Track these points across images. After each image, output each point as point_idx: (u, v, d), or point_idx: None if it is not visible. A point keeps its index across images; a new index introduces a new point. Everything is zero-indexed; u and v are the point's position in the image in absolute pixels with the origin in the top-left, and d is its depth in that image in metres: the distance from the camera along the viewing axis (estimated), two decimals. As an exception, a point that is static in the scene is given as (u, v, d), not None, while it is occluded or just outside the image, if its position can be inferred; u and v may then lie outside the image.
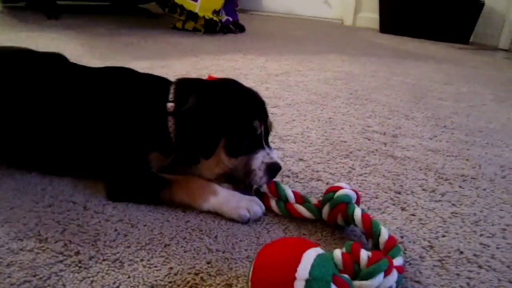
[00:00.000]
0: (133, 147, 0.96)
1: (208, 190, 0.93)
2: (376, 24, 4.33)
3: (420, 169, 1.22)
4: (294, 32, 3.83)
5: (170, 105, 0.96)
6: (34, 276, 0.71)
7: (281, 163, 0.97)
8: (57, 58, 1.25)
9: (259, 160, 0.93)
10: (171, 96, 0.98)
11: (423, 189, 1.11)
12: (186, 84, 1.01)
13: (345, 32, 4.09)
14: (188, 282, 0.72)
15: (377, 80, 2.27)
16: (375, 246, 0.80)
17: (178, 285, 0.71)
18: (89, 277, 0.72)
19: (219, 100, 0.94)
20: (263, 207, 0.93)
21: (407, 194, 1.07)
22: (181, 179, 0.95)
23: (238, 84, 1.03)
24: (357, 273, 0.67)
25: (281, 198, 0.94)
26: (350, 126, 1.54)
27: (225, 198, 0.92)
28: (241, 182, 0.95)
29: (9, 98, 1.01)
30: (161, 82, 1.05)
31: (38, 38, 2.69)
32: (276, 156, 0.97)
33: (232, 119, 0.92)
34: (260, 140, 0.96)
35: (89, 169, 1.02)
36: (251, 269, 0.63)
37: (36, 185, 0.99)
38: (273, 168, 0.94)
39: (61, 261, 0.75)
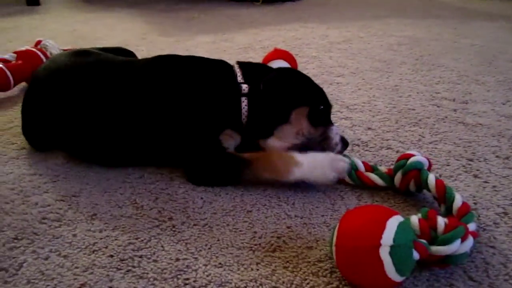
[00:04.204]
0: (209, 130, 0.99)
1: (290, 162, 0.93)
2: (439, -18, 4.10)
3: (493, 136, 1.20)
4: (352, -4, 3.73)
5: (245, 86, 1.01)
6: (137, 239, 0.80)
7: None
8: (125, 53, 1.33)
9: (334, 130, 1.01)
10: (239, 79, 1.02)
11: (497, 156, 1.10)
12: (249, 67, 1.06)
13: (406, -7, 3.92)
14: (272, 244, 0.79)
15: (443, 43, 2.19)
16: (448, 212, 0.81)
17: (263, 247, 0.78)
18: (183, 240, 0.80)
19: (300, 76, 1.05)
20: (346, 159, 0.94)
21: (480, 161, 1.07)
22: (260, 156, 0.96)
23: None
24: (434, 239, 0.69)
25: (351, 168, 0.97)
26: (417, 93, 1.52)
27: (309, 167, 0.92)
28: (315, 148, 0.99)
29: (95, 102, 1.02)
30: (223, 65, 1.08)
31: (106, 19, 2.83)
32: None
33: (316, 91, 1.03)
34: (330, 118, 1.05)
35: (166, 158, 1.05)
36: (335, 235, 0.68)
37: (126, 158, 1.09)
38: (345, 141, 1.02)
39: (157, 226, 0.84)
